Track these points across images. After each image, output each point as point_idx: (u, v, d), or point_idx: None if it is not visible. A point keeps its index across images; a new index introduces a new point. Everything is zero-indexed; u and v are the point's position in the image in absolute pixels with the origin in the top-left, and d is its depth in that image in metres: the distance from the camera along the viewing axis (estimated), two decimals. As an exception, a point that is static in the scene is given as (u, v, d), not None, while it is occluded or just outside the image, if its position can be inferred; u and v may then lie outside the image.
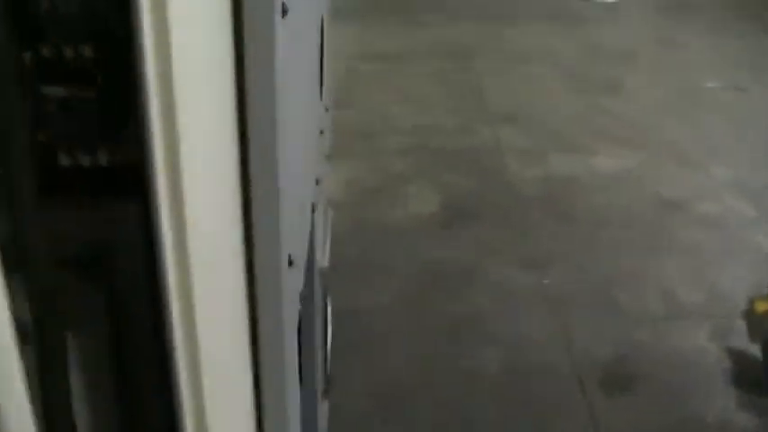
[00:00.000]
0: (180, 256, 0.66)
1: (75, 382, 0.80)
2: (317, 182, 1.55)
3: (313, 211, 1.46)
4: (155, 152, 0.59)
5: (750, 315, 2.91)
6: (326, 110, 1.85)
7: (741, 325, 2.99)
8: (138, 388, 0.86)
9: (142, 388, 0.86)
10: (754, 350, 2.88)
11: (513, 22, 6.37)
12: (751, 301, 2.91)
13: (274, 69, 0.84)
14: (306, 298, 1.61)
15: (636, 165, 4.30)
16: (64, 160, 0.80)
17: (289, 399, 1.07)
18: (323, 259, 1.74)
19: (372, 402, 2.69)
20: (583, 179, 4.16)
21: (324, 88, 1.73)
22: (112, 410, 0.86)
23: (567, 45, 5.94)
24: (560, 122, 4.78)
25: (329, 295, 1.89)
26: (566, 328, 3.06)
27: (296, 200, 1.15)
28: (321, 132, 1.67)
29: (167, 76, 0.58)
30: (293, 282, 1.08)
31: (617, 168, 4.27)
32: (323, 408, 1.96)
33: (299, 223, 1.20)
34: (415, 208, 3.85)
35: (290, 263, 1.01)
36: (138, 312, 0.80)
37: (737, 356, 2.91)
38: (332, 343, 2.25)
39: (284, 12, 0.86)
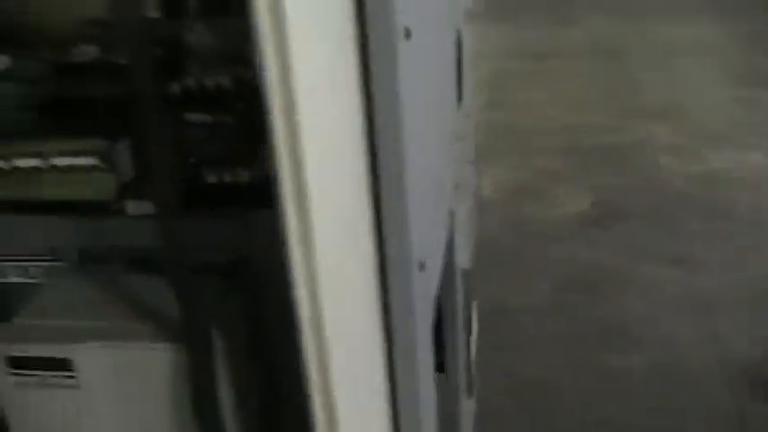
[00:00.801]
0: (308, 268, 0.72)
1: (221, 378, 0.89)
2: (457, 187, 1.60)
3: (452, 216, 1.52)
4: (282, 171, 0.66)
5: None
6: (467, 116, 1.90)
7: None
8: (276, 390, 0.94)
9: (280, 390, 0.93)
10: None
11: (662, 16, 6.23)
12: None
13: (398, 87, 0.90)
14: (444, 299, 1.67)
15: (799, 160, 4.15)
16: (210, 178, 0.88)
17: (423, 398, 1.13)
18: (465, 261, 1.79)
19: (517, 402, 2.71)
20: (739, 176, 4.03)
21: (464, 97, 1.78)
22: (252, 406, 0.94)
23: (720, 37, 5.77)
24: (715, 117, 4.64)
25: (473, 296, 1.94)
26: (716, 328, 2.99)
27: (430, 207, 1.21)
28: (460, 139, 1.72)
29: (290, 105, 0.64)
30: (426, 285, 1.14)
31: (777, 165, 4.14)
32: (467, 406, 2.00)
33: (434, 229, 1.26)
34: (566, 207, 3.84)
35: (422, 267, 1.07)
36: (278, 316, 0.86)
37: None
38: (479, 342, 2.30)
39: (407, 35, 0.92)
